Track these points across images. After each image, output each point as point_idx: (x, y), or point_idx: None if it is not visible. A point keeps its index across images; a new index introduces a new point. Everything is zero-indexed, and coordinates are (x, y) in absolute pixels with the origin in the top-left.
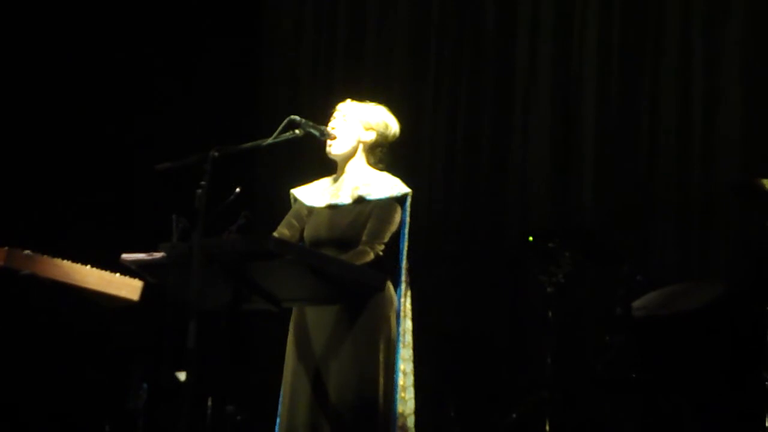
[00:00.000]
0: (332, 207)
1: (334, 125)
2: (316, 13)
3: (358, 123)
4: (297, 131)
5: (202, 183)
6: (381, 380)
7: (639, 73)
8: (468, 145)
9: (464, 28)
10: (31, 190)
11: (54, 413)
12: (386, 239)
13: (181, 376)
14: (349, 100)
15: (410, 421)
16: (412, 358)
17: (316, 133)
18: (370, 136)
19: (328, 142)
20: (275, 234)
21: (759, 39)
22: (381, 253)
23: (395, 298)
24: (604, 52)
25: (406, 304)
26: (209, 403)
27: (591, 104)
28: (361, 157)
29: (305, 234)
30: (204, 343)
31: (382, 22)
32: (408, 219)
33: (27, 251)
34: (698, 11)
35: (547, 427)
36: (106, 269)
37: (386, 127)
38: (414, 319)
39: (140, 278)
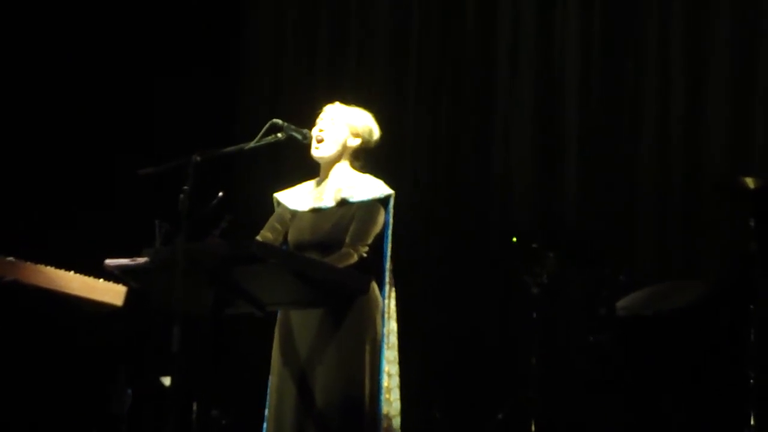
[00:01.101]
0: (316, 210)
1: (322, 127)
2: (299, 17)
3: (345, 127)
4: (279, 135)
5: (185, 187)
6: (366, 382)
7: (621, 72)
8: (450, 146)
9: (445, 26)
10: (13, 197)
11: (39, 419)
12: (370, 240)
13: (166, 381)
14: (337, 103)
15: (396, 423)
16: (397, 359)
17: (299, 137)
18: (356, 142)
19: (315, 144)
20: (258, 238)
21: (744, 35)
22: (365, 255)
23: (380, 299)
24: (586, 51)
25: (390, 305)
26: (194, 407)
27: (573, 105)
28: (344, 161)
29: (289, 238)
30: (188, 347)
31: (363, 23)
32: (391, 220)
33: (10, 258)
34: (681, 2)
35: (533, 428)
36: (89, 275)
37: (371, 133)
38: (399, 321)
39: (124, 283)
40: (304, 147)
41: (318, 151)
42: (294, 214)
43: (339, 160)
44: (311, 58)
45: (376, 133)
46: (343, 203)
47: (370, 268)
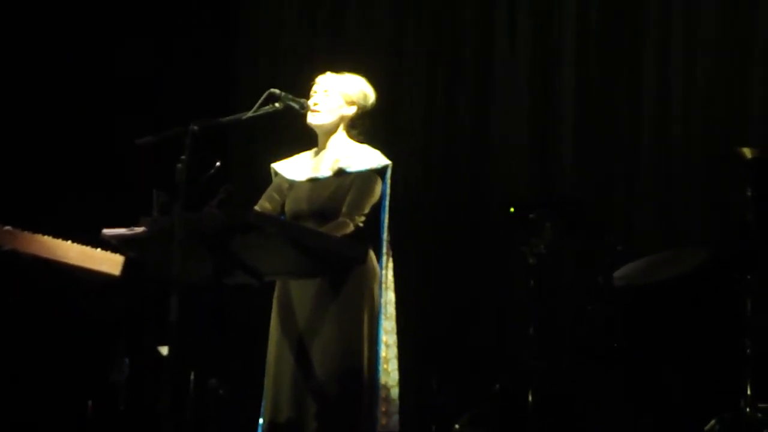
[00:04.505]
0: (313, 180)
1: (316, 101)
2: None
3: (339, 98)
4: (277, 104)
5: (183, 157)
6: (365, 352)
7: (619, 42)
8: (447, 116)
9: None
10: (11, 166)
11: (36, 388)
12: (366, 210)
13: (163, 350)
14: (329, 73)
15: (394, 393)
16: (394, 329)
17: (296, 106)
18: (352, 111)
19: (309, 111)
20: (257, 208)
21: (735, 11)
22: (361, 224)
23: (378, 269)
24: (583, 16)
25: (387, 275)
26: (192, 377)
27: (571, 73)
28: (341, 131)
29: (286, 208)
30: (186, 317)
31: None
32: (389, 190)
33: (8, 227)
34: None
35: (530, 398)
36: (87, 244)
37: (365, 98)
38: (396, 291)
39: (121, 253)
40: (301, 117)
41: (312, 119)
42: (291, 184)
43: (336, 130)
44: (311, 28)
45: (372, 96)
46: (340, 173)
47: (367, 238)
